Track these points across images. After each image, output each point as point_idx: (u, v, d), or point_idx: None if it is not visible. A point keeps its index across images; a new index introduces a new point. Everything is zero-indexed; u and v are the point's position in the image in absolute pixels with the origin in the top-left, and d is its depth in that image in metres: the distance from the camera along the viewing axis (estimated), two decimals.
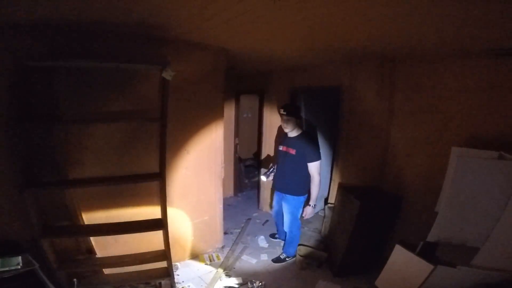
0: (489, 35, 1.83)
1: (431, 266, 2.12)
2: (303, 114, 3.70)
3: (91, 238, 2.50)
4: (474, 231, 2.03)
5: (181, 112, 2.67)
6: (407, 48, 2.47)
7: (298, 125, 3.03)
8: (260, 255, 3.38)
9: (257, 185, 5.03)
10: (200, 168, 3.00)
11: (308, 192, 3.04)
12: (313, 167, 2.89)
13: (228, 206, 4.61)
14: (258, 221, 4.32)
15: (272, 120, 4.38)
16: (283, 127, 3.05)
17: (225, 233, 3.66)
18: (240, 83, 4.85)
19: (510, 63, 2.11)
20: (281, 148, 3.13)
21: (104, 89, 2.26)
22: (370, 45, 2.42)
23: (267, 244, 3.63)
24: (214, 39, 2.46)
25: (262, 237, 3.78)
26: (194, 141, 2.88)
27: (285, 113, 2.92)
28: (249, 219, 4.36)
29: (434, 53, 2.50)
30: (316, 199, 2.98)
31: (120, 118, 2.34)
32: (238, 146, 5.15)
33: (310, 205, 2.98)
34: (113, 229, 2.39)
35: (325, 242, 3.58)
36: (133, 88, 2.39)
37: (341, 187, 3.37)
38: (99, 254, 2.57)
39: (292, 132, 3.02)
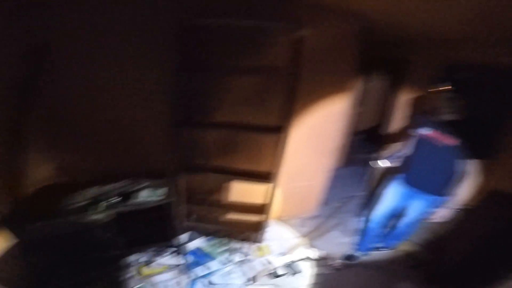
0: None
1: None
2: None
3: (212, 182, 2.90)
4: None
5: (307, 75, 2.54)
6: None
7: (461, 106, 2.32)
8: (354, 235, 3.22)
9: (367, 162, 4.62)
10: (316, 132, 2.88)
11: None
12: (473, 165, 2.26)
13: (334, 177, 4.48)
14: (357, 201, 4.02)
15: (408, 94, 3.67)
16: (435, 107, 2.37)
17: (323, 203, 3.60)
18: (372, 49, 4.19)
19: None
20: (426, 132, 2.40)
21: (240, 46, 2.33)
22: None
23: (360, 227, 3.38)
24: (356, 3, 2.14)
25: (357, 218, 3.54)
26: (316, 103, 2.75)
27: (448, 88, 2.31)
28: (353, 196, 4.12)
29: None
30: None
31: (254, 72, 2.41)
32: (358, 116, 4.73)
33: (448, 208, 2.40)
34: (227, 173, 2.66)
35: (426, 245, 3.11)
36: (267, 46, 2.38)
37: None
38: (217, 197, 2.98)
39: (450, 115, 2.31)
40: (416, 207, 2.56)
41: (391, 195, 2.67)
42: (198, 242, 2.95)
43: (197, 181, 2.86)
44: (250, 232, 2.98)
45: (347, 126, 4.48)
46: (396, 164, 2.73)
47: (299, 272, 2.70)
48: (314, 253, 2.91)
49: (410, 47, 3.61)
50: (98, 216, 2.11)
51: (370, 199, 3.44)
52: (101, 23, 2.08)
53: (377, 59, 4.36)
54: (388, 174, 3.16)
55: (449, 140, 2.28)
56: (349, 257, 2.92)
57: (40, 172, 2.34)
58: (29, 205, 2.11)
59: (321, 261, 2.83)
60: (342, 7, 2.30)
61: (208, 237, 3.04)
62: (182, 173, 2.58)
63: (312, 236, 3.16)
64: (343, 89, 2.80)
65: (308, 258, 2.85)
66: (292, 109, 2.26)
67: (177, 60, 2.16)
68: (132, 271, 2.53)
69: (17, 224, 1.96)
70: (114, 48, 2.16)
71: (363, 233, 2.92)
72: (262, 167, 2.75)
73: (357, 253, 2.93)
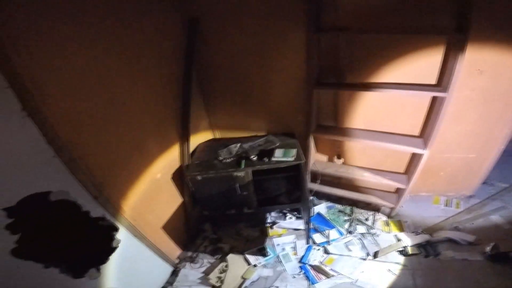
0: None
1: None
2: None
3: (343, 146, 2.74)
4: None
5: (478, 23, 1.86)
6: None
7: None
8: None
9: None
10: (493, 94, 2.17)
11: None
12: None
13: (503, 152, 3.51)
14: None
15: None
16: None
17: (483, 182, 2.87)
18: None
19: None
20: None
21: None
22: None
23: None
24: None
25: None
26: (491, 59, 1.99)
27: None
28: None
29: None
30: None
31: (404, 28, 1.98)
32: None
33: None
34: (369, 137, 2.42)
35: None
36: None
37: None
38: (347, 162, 2.83)
39: None
40: None
41: None
42: (321, 208, 2.93)
43: (329, 143, 2.76)
44: (382, 204, 2.73)
45: None
46: None
47: (436, 254, 2.33)
48: (463, 236, 2.43)
49: None
50: (240, 173, 2.30)
51: None
52: None
53: None
54: None
55: None
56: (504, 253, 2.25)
57: (200, 129, 2.77)
58: (195, 159, 2.53)
59: (469, 247, 2.36)
60: None
61: (332, 204, 2.99)
62: (315, 132, 2.53)
63: (462, 217, 2.63)
64: None
65: (450, 241, 2.42)
66: (456, 66, 1.76)
67: (314, 22, 1.99)
68: (264, 230, 2.76)
69: (189, 175, 2.35)
70: (256, 15, 2.17)
71: None
72: (411, 129, 2.40)
73: None
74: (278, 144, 2.52)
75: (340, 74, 2.28)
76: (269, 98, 2.59)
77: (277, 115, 2.70)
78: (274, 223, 2.82)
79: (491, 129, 2.37)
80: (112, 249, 1.73)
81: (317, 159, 2.87)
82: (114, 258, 1.73)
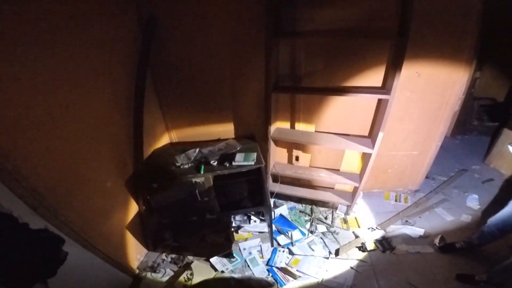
0: None
1: None
2: None
3: (298, 151, 2.84)
4: None
5: (416, 29, 2.07)
6: None
7: None
8: (462, 214, 2.78)
9: (491, 131, 3.82)
10: (428, 95, 2.43)
11: None
12: None
13: (443, 148, 3.90)
14: (476, 176, 3.39)
15: None
16: None
17: (426, 177, 3.14)
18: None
19: None
20: None
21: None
22: None
23: (478, 206, 2.88)
24: None
25: (475, 196, 3.02)
26: (427, 63, 2.26)
27: None
28: (465, 170, 3.49)
29: None
30: None
31: (354, 33, 2.13)
32: (477, 81, 3.89)
33: None
34: (324, 139, 2.50)
35: None
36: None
37: None
38: (305, 164, 2.92)
39: None
40: None
41: None
42: (283, 209, 2.96)
43: (287, 145, 2.83)
44: (339, 202, 2.85)
45: (468, 90, 3.75)
46: None
47: (391, 248, 2.47)
48: (413, 230, 2.63)
49: None
50: (199, 179, 2.24)
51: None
52: None
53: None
54: None
55: None
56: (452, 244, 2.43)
57: (156, 133, 2.65)
58: (150, 166, 2.40)
59: (420, 240, 2.55)
60: None
61: (293, 205, 3.03)
62: (273, 137, 2.56)
63: (411, 212, 2.85)
64: (463, 50, 2.22)
65: (404, 235, 2.59)
66: (398, 70, 1.92)
67: (270, 25, 2.04)
68: (229, 234, 2.70)
69: (143, 183, 2.24)
70: (213, 16, 2.17)
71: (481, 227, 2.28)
72: (361, 130, 2.55)
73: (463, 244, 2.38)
74: (239, 148, 2.50)
75: (297, 78, 2.36)
76: (230, 102, 2.58)
77: (238, 118, 2.69)
78: (239, 227, 2.78)
79: (429, 127, 2.63)
80: (60, 262, 1.56)
81: (277, 162, 2.91)
82: (64, 270, 1.56)
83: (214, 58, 2.35)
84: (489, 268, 2.04)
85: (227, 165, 2.31)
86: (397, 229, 2.67)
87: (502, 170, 3.42)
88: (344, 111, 2.53)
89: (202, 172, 2.24)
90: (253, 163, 2.30)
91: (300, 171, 2.80)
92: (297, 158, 2.89)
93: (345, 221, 2.81)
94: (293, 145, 2.80)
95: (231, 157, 2.37)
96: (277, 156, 2.91)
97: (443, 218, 2.78)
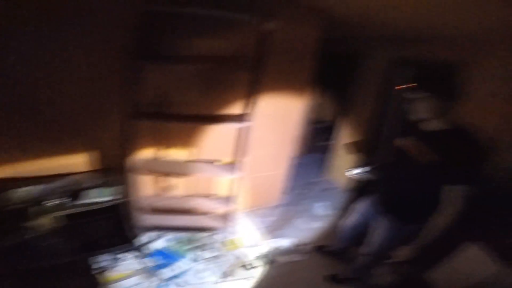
0: None
1: None
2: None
3: (170, 180, 2.79)
4: None
5: (268, 63, 2.47)
6: None
7: (446, 112, 1.60)
8: (315, 221, 3.38)
9: (326, 150, 4.88)
10: (277, 121, 2.93)
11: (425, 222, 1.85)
12: (460, 193, 1.73)
13: (295, 165, 4.61)
14: (319, 187, 4.23)
15: (365, 89, 3.87)
16: (413, 113, 1.70)
17: (284, 193, 3.67)
18: (330, 43, 4.31)
19: None
20: (403, 143, 1.71)
21: (199, 33, 2.24)
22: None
23: (324, 212, 3.57)
24: None
25: (320, 204, 3.73)
26: (276, 93, 2.75)
27: (419, 87, 1.62)
28: (311, 183, 4.30)
29: None
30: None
31: (213, 61, 2.34)
32: (314, 106, 4.90)
33: (415, 247, 1.89)
34: (191, 168, 2.56)
35: None
36: (226, 35, 2.32)
37: None
38: (175, 192, 2.88)
39: (433, 123, 1.64)
40: (382, 229, 2.00)
41: (357, 211, 2.29)
42: (163, 241, 2.81)
43: (156, 174, 2.73)
44: (219, 226, 2.95)
45: (308, 115, 4.67)
46: (368, 177, 2.28)
47: (272, 262, 2.72)
48: (284, 242, 2.98)
49: (368, 43, 3.79)
50: (42, 220, 1.89)
51: (345, 208, 3.35)
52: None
53: (336, 54, 4.48)
54: (361, 187, 3.16)
55: (424, 154, 1.57)
56: (320, 248, 2.97)
57: None
58: None
59: (291, 249, 2.91)
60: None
61: (173, 235, 2.92)
62: (137, 168, 2.41)
63: (279, 225, 3.25)
64: (304, 81, 2.86)
65: (278, 247, 2.90)
66: (255, 99, 2.25)
67: (134, 48, 1.99)
68: (93, 278, 2.32)
69: None
70: (63, 35, 1.90)
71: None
72: (226, 157, 2.76)
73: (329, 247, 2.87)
74: (95, 182, 2.21)
75: (163, 105, 2.34)
76: (87, 129, 2.25)
77: (96, 148, 2.36)
78: (106, 268, 2.41)
79: (281, 150, 3.15)
80: None
81: (145, 194, 2.75)
82: None
83: (65, 78, 2.01)
84: (350, 266, 2.45)
85: (80, 201, 2.02)
86: (273, 242, 2.96)
87: (335, 180, 4.40)
88: (213, 138, 2.69)
89: (45, 211, 1.87)
90: (111, 198, 2.09)
91: (173, 201, 2.74)
92: (168, 188, 2.82)
93: (227, 243, 2.90)
94: (163, 174, 2.73)
95: (84, 192, 2.08)
96: (145, 187, 2.75)
97: (303, 227, 3.27)
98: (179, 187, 2.87)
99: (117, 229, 2.30)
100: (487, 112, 2.35)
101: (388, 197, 1.95)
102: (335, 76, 4.86)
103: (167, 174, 2.68)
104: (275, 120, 2.90)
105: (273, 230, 3.16)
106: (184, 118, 2.39)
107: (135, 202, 2.54)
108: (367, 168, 2.23)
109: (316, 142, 5.38)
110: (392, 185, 1.92)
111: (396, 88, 2.88)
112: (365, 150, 3.74)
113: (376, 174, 2.17)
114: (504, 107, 2.30)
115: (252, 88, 2.26)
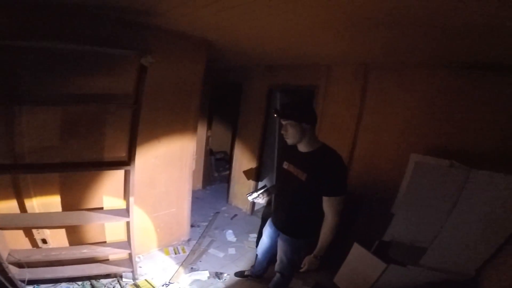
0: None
1: (384, 265, 2.27)
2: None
3: (45, 232, 2.37)
4: (426, 233, 2.18)
5: (154, 100, 2.58)
6: (380, 57, 2.64)
7: (309, 135, 1.81)
8: (228, 249, 3.40)
9: (227, 179, 5.04)
10: (170, 159, 2.94)
11: (314, 234, 1.91)
12: (331, 204, 1.76)
13: (195, 199, 4.55)
14: (226, 215, 4.32)
15: (249, 117, 4.34)
16: (284, 137, 1.88)
17: (192, 226, 3.64)
18: (217, 75, 4.75)
19: (469, 76, 2.35)
20: (285, 166, 1.96)
21: (74, 71, 2.13)
22: (344, 52, 2.55)
23: (235, 239, 3.65)
24: (199, 29, 2.41)
25: (230, 231, 3.80)
26: (166, 130, 2.80)
27: (282, 115, 1.80)
28: (217, 212, 4.36)
29: (401, 63, 2.71)
30: (325, 248, 1.83)
31: (90, 100, 2.23)
32: (210, 139, 5.10)
33: (313, 256, 1.85)
34: (73, 217, 2.28)
35: None
36: (107, 72, 2.28)
37: None
38: (58, 244, 2.45)
39: (302, 146, 1.85)
40: (281, 247, 2.13)
41: (265, 234, 2.38)
42: None
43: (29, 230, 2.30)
44: (121, 270, 2.64)
45: (202, 149, 4.78)
46: (264, 200, 2.36)
47: None
48: (200, 275, 2.87)
49: (244, 71, 4.34)
50: None
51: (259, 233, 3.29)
52: None
53: (221, 85, 4.87)
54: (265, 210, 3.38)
55: (301, 174, 1.81)
56: (240, 274, 2.94)
57: None
58: None
59: (210, 280, 2.82)
60: (188, 33, 2.53)
61: (67, 286, 2.46)
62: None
63: (192, 259, 3.10)
64: (193, 112, 3.00)
65: (195, 281, 2.77)
66: (135, 139, 2.23)
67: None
68: None
69: None
70: None
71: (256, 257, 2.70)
72: (114, 201, 2.58)
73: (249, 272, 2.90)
74: None
75: (19, 155, 2.05)
76: None
77: None
78: None
79: (178, 187, 3.15)
80: None
81: (14, 249, 2.23)
82: None
83: None
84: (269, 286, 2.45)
85: None
86: (187, 277, 2.81)
87: (239, 206, 4.60)
88: (95, 184, 2.48)
89: None
90: None
91: (54, 253, 2.33)
92: (44, 241, 2.37)
93: (136, 286, 2.60)
94: (33, 227, 2.31)
95: None
96: (14, 242, 2.26)
97: (217, 257, 3.23)
98: (65, 236, 2.50)
99: None
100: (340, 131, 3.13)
101: (279, 216, 2.10)
102: (226, 105, 5.24)
103: (38, 227, 2.30)
104: (165, 158, 2.90)
105: (187, 264, 3.02)
106: (53, 166, 2.17)
107: (4, 260, 2.03)
108: (262, 191, 2.34)
109: (216, 174, 5.51)
110: (282, 204, 2.06)
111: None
112: (259, 175, 4.15)
113: (270, 196, 2.32)
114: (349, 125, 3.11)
115: (133, 129, 2.23)
